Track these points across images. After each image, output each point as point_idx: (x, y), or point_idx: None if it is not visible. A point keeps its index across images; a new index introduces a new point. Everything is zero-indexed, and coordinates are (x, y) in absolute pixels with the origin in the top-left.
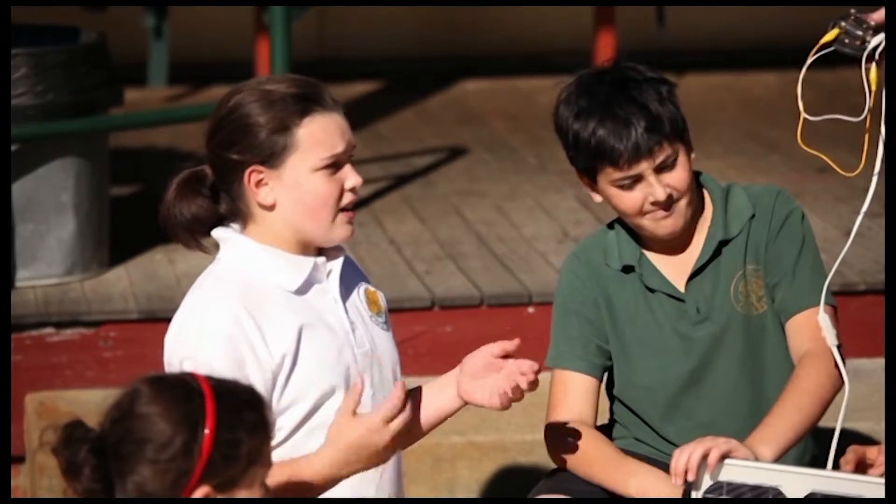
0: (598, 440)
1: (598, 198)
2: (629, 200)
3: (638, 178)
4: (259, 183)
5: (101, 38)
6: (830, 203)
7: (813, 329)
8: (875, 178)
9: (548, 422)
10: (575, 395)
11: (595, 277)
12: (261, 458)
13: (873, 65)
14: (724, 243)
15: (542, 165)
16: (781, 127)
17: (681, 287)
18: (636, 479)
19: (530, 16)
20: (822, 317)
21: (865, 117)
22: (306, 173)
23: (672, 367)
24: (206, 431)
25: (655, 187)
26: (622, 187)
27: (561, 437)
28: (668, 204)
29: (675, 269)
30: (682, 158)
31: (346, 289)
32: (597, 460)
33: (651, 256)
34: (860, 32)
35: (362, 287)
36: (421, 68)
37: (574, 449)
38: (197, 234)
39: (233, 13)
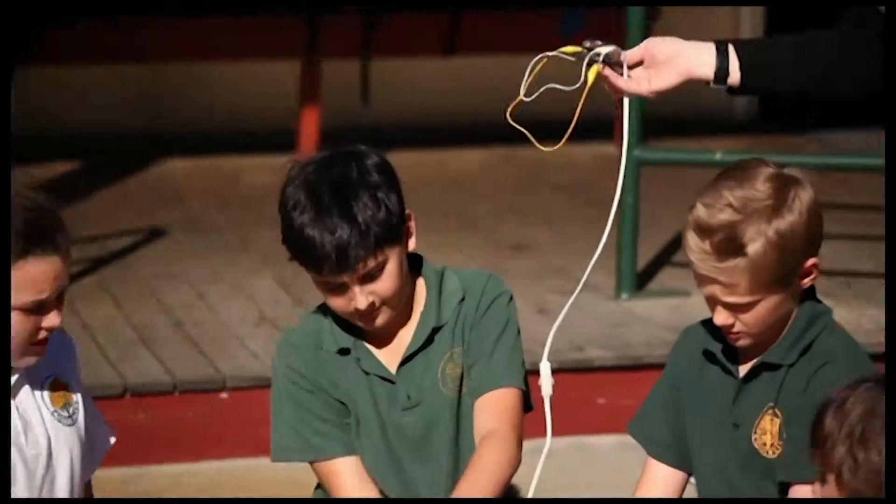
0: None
1: None
2: (334, 302)
3: (342, 286)
4: None
5: None
6: (525, 281)
7: (499, 409)
8: (594, 260)
9: None
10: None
11: (315, 363)
12: None
13: (595, 66)
14: (436, 330)
15: (244, 246)
16: (482, 202)
17: (393, 370)
18: None
19: (235, 94)
20: (544, 363)
21: (581, 104)
22: None
23: (383, 453)
24: None
25: (357, 297)
26: (326, 290)
27: None
28: (369, 311)
29: (389, 352)
30: (391, 266)
31: (31, 384)
32: None
33: (367, 338)
34: (596, 42)
35: (48, 381)
36: (124, 145)
37: None
38: None
39: None
